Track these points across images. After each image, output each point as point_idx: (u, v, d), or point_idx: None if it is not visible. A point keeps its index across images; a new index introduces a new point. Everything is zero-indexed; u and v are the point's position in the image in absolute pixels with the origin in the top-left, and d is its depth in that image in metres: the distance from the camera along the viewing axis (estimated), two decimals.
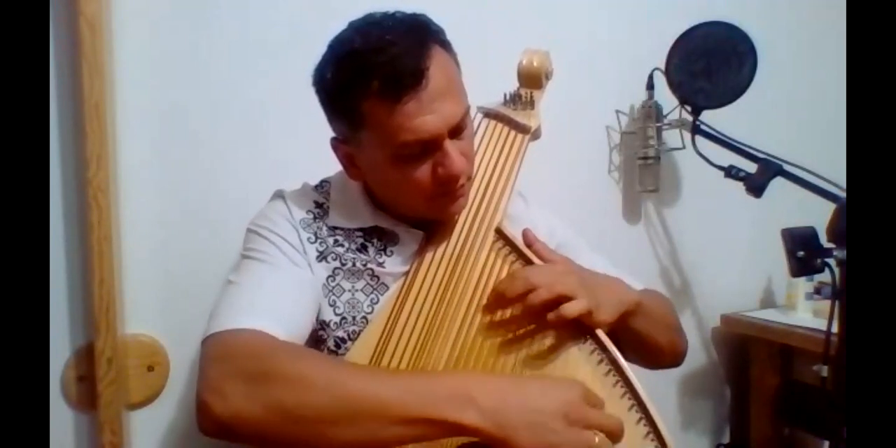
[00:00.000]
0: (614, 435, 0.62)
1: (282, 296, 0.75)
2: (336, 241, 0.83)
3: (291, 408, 0.60)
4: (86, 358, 1.04)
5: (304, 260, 0.80)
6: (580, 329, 0.76)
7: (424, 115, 0.72)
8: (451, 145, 0.75)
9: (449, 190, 0.78)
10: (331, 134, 0.85)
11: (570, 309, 0.73)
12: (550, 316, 0.73)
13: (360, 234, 0.85)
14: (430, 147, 0.75)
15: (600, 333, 0.76)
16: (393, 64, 0.70)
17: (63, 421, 1.06)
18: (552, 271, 0.79)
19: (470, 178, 0.83)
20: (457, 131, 0.77)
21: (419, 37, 0.73)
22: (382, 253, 0.84)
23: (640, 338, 0.84)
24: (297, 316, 0.75)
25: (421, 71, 0.71)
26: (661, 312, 0.90)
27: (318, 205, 0.86)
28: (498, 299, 0.78)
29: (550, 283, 0.75)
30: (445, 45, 0.78)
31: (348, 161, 0.83)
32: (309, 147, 0.95)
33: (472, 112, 0.88)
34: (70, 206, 1.03)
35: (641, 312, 0.83)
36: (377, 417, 0.59)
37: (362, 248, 0.84)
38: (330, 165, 0.89)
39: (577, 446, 0.59)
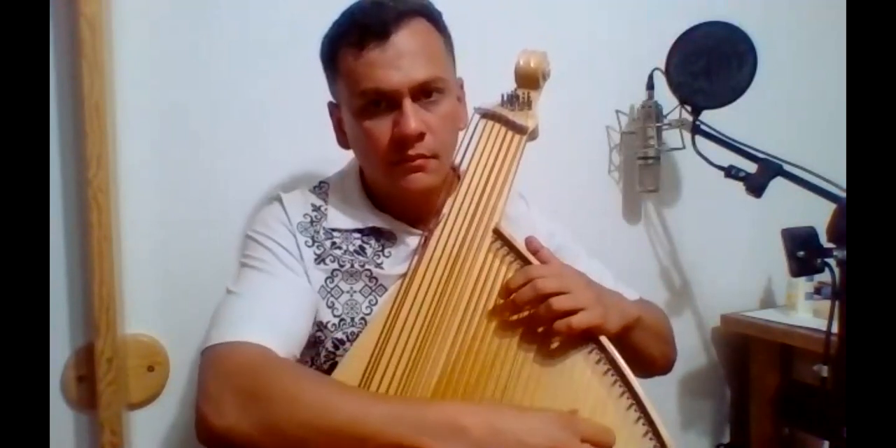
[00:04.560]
0: None
1: (279, 305, 0.75)
2: (334, 243, 0.83)
3: (282, 427, 0.62)
4: (86, 358, 1.04)
5: (300, 267, 0.80)
6: (580, 333, 0.76)
7: (388, 68, 0.75)
8: (411, 106, 0.76)
9: (404, 156, 0.78)
10: (331, 134, 0.85)
11: (580, 320, 0.72)
12: (560, 325, 0.72)
13: (357, 235, 0.85)
14: (390, 102, 0.77)
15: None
16: (368, 15, 0.75)
17: (63, 421, 1.06)
18: (557, 268, 0.78)
19: (436, 156, 0.80)
20: (422, 94, 0.78)
21: (409, 6, 0.77)
22: (381, 254, 0.84)
23: (636, 350, 0.83)
24: (294, 325, 0.76)
25: (389, 22, 0.74)
26: (657, 327, 0.91)
27: (316, 208, 0.86)
28: (499, 298, 0.78)
29: (556, 274, 0.75)
30: (434, 21, 0.80)
31: (338, 126, 0.86)
32: (309, 147, 0.95)
33: (470, 112, 0.89)
34: (70, 206, 1.03)
35: (640, 327, 0.83)
36: (365, 443, 0.60)
37: (360, 250, 0.84)
38: (330, 166, 0.89)
39: None
